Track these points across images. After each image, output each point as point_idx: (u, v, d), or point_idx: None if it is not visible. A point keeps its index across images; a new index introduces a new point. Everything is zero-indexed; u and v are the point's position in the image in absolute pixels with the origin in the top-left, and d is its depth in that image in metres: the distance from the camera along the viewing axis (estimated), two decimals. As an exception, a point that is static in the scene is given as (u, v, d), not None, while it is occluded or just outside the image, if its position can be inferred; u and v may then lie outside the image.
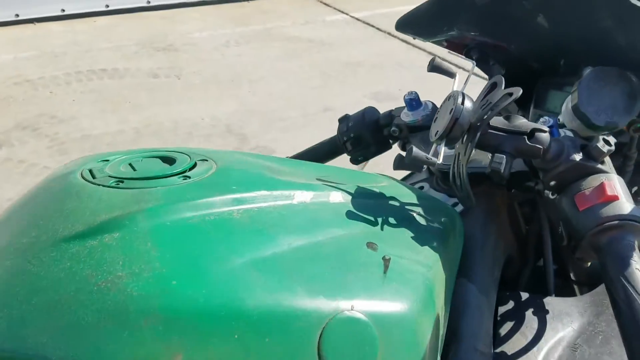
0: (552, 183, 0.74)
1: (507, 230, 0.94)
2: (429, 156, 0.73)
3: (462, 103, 0.73)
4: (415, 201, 0.83)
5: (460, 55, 1.19)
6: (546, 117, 0.81)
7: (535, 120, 1.13)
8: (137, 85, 4.18)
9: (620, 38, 1.03)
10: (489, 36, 1.15)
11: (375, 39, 5.13)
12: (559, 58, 1.15)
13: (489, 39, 1.15)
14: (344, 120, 1.16)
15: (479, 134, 0.73)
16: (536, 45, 1.15)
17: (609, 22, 1.01)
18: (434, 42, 1.17)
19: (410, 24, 1.14)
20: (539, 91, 1.18)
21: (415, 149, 0.72)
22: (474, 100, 0.79)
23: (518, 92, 0.70)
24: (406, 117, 1.07)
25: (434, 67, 0.83)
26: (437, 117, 0.79)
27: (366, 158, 1.16)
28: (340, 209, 0.72)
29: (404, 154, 0.79)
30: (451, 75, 0.81)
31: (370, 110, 1.16)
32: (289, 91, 4.12)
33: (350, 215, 0.72)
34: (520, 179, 0.87)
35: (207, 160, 0.73)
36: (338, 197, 0.74)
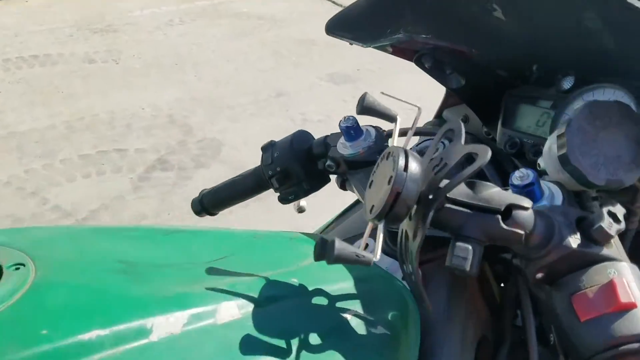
0: (539, 276, 0.52)
1: (479, 305, 0.72)
2: (361, 253, 0.49)
3: (406, 167, 0.49)
4: (351, 289, 0.60)
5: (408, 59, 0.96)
6: (524, 171, 0.58)
7: (504, 144, 0.92)
8: (70, 73, 3.82)
9: (609, 41, 0.80)
10: (444, 39, 0.92)
11: (330, 14, 4.83)
12: (531, 64, 0.93)
13: (444, 43, 0.92)
14: (268, 148, 0.92)
15: (432, 212, 0.50)
16: (503, 50, 0.92)
17: (596, 23, 0.78)
18: (376, 48, 0.93)
19: (344, 26, 0.90)
20: (507, 105, 0.95)
21: (337, 243, 0.48)
22: (423, 155, 0.56)
23: (485, 155, 0.47)
24: (344, 148, 0.83)
25: (364, 109, 0.59)
26: (372, 182, 0.55)
27: (298, 197, 0.92)
28: (232, 336, 0.49)
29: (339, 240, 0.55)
30: (390, 118, 0.57)
31: (301, 137, 0.92)
32: (238, 75, 3.83)
33: (247, 346, 0.48)
34: (492, 249, 0.65)
35: (22, 266, 0.48)
36: (231, 310, 0.50)
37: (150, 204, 2.63)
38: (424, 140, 0.88)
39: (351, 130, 0.81)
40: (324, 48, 4.16)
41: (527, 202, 0.50)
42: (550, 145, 0.61)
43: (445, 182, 0.50)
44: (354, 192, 0.83)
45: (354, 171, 0.82)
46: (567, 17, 0.81)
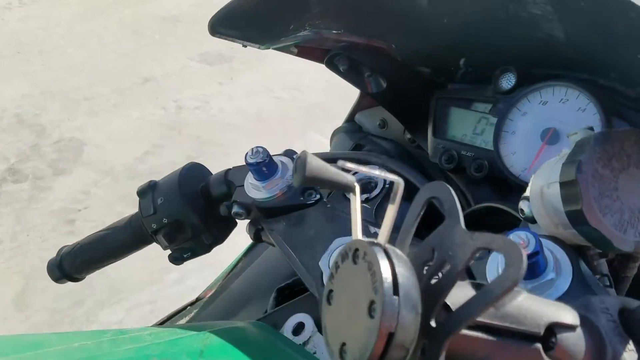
0: None
1: None
2: None
3: (396, 288, 0.30)
4: None
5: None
6: (522, 235, 0.42)
7: (439, 158, 0.77)
8: None
9: (558, 30, 0.67)
10: (359, 34, 0.74)
11: (193, -14, 4.47)
12: (457, 58, 0.78)
13: (359, 39, 0.74)
14: (147, 192, 0.69)
15: (443, 353, 0.31)
16: (425, 42, 0.76)
17: (542, 8, 0.64)
18: (277, 50, 0.73)
19: (233, 24, 0.68)
20: (437, 110, 0.80)
21: None
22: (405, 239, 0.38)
23: (520, 260, 0.29)
24: (254, 190, 0.63)
25: (308, 179, 0.37)
26: (331, 292, 0.36)
27: (197, 254, 0.70)
28: None
29: None
30: (346, 188, 0.37)
31: (191, 173, 0.70)
32: (95, 61, 3.40)
33: None
34: None
35: None
36: None
37: (3, 225, 2.23)
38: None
39: (263, 166, 0.61)
40: (191, 25, 3.83)
41: (572, 316, 0.34)
42: (542, 190, 0.46)
43: (454, 298, 0.32)
44: (274, 245, 0.63)
45: (273, 220, 0.62)
46: (504, 1, 0.67)
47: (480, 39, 0.74)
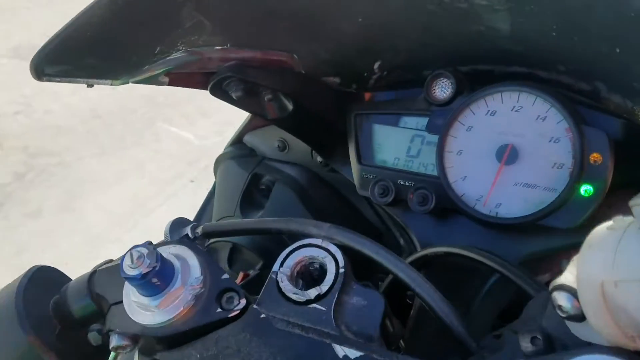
0: None
1: None
2: None
3: None
4: None
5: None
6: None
7: (371, 190, 0.59)
8: None
9: (501, 22, 0.54)
10: (252, 46, 0.54)
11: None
12: (371, 61, 0.62)
13: (253, 53, 0.55)
14: None
15: None
16: (337, 46, 0.59)
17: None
18: (139, 83, 0.51)
19: (70, 59, 0.45)
20: (357, 129, 0.64)
21: None
22: None
23: None
24: (143, 312, 0.41)
25: None
26: None
27: None
28: None
29: None
30: None
31: (36, 284, 0.46)
32: None
33: None
34: None
35: None
36: None
37: None
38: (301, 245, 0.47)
39: (152, 277, 0.40)
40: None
41: None
42: (604, 287, 0.32)
43: None
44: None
45: (177, 350, 0.42)
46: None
47: (402, 38, 0.59)
